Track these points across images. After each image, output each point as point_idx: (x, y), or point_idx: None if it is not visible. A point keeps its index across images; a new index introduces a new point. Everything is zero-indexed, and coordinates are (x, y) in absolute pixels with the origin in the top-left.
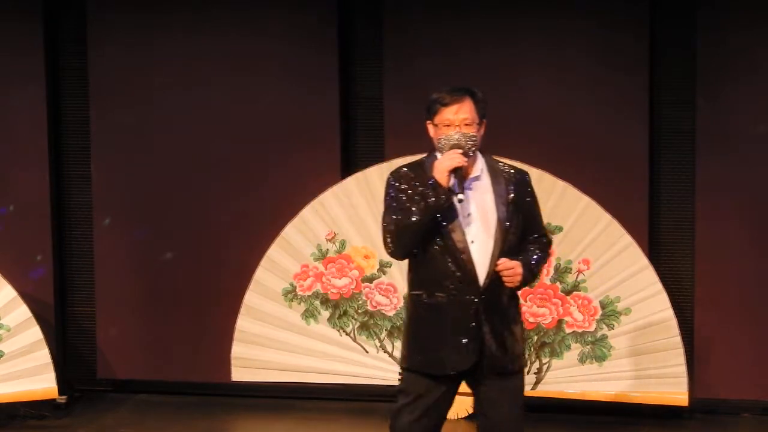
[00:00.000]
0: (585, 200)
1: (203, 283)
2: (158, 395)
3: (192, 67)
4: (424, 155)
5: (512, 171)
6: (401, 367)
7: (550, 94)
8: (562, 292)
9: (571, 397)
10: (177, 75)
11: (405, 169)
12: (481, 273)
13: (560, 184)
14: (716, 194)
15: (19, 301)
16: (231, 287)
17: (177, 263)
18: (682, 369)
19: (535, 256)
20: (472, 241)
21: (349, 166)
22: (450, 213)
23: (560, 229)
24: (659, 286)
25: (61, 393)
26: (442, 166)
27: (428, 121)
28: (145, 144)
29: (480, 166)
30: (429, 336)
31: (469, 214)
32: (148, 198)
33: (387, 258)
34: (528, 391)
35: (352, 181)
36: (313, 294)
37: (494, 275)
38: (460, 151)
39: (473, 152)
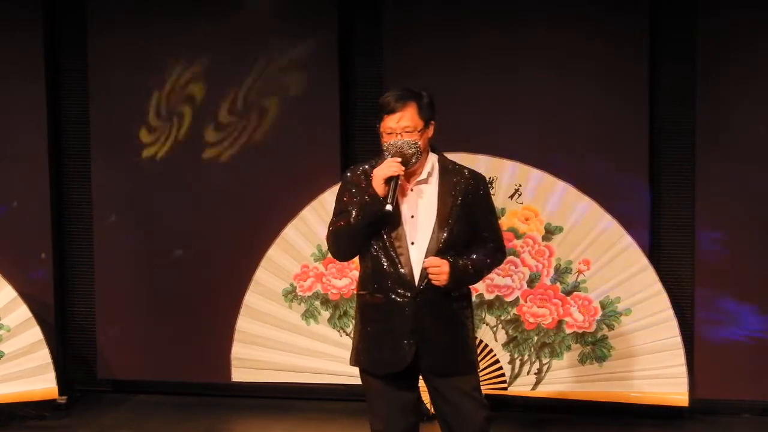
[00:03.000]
0: (585, 200)
1: (203, 283)
2: (158, 395)
3: (191, 67)
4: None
5: (466, 174)
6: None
7: (550, 93)
8: (562, 292)
9: (571, 397)
10: (177, 75)
11: (357, 170)
12: (418, 274)
13: (560, 184)
14: (716, 194)
15: (20, 301)
16: (231, 287)
17: (177, 263)
18: (682, 369)
19: (474, 256)
20: (413, 243)
21: (349, 166)
22: (393, 215)
23: (560, 229)
24: (659, 286)
25: (61, 393)
26: (378, 175)
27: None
28: (145, 144)
29: (428, 168)
30: (370, 335)
31: (412, 216)
32: (148, 198)
33: None
34: (528, 391)
35: None
36: (313, 294)
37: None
38: (399, 159)
39: (417, 158)
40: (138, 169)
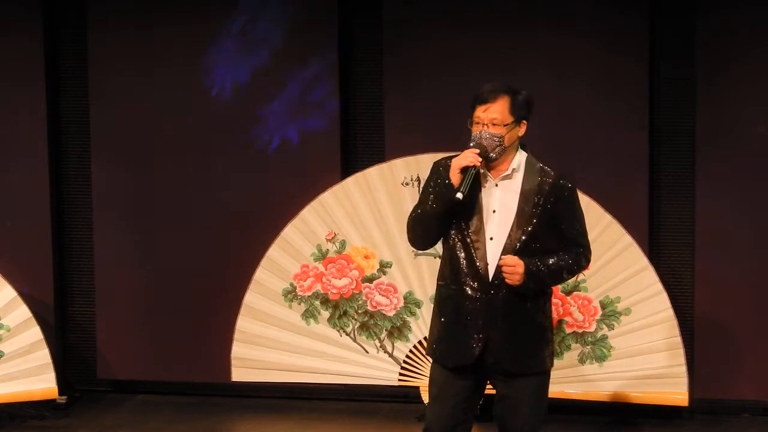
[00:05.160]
0: (585, 200)
1: (203, 283)
2: (158, 395)
3: (192, 66)
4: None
5: (553, 175)
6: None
7: (550, 94)
8: (562, 292)
9: (571, 397)
10: (177, 75)
11: (442, 161)
12: (494, 269)
13: None
14: (716, 194)
15: (19, 301)
16: (231, 287)
17: (177, 263)
18: (682, 369)
19: (551, 260)
20: (491, 238)
21: (349, 166)
22: (473, 208)
23: None
24: (659, 286)
25: (61, 393)
26: (455, 164)
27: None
28: (145, 144)
29: (515, 165)
30: (443, 327)
31: (494, 211)
32: (148, 198)
33: (387, 258)
34: None
35: (352, 181)
36: (313, 294)
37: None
38: (477, 151)
39: (498, 153)
40: (138, 168)
